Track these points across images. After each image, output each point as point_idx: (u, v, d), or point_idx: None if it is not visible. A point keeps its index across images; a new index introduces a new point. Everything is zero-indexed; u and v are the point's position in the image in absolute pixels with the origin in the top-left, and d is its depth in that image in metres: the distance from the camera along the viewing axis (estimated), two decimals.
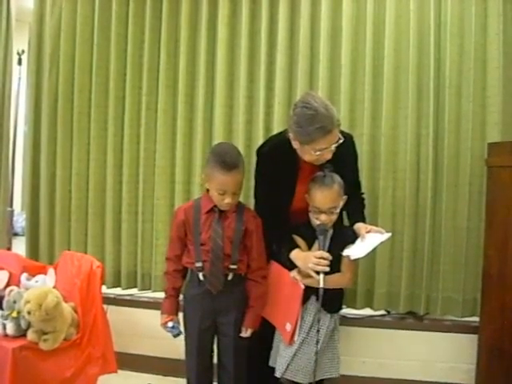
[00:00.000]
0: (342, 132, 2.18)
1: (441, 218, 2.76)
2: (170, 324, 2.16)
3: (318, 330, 2.11)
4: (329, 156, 2.11)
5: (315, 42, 2.85)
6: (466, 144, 2.73)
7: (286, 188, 2.27)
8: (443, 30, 2.74)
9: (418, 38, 2.74)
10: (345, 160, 2.25)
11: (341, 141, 2.09)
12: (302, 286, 2.09)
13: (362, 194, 2.41)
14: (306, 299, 2.14)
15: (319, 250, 2.10)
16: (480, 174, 2.67)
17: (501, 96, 2.67)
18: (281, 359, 2.19)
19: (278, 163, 2.23)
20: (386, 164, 2.79)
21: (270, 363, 2.28)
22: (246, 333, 2.15)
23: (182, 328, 2.19)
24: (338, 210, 2.16)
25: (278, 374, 2.18)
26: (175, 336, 2.18)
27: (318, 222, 2.13)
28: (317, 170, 2.21)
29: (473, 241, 2.72)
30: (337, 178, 2.15)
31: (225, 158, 2.05)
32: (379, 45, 2.79)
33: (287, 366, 2.15)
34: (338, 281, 2.16)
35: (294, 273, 2.16)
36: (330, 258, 2.07)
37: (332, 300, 2.15)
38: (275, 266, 2.24)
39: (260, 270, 2.18)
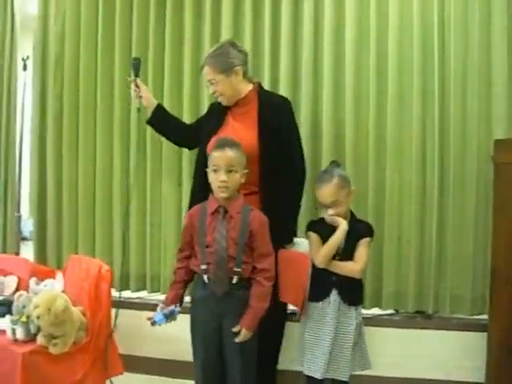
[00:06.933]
0: (279, 96, 2.57)
1: (448, 216, 2.74)
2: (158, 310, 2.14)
3: (347, 325, 2.18)
4: (210, 90, 2.46)
5: (319, 40, 2.84)
6: (472, 141, 2.71)
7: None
8: (447, 27, 2.73)
9: (421, 35, 2.73)
10: (277, 127, 2.37)
11: (213, 81, 2.40)
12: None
13: (299, 178, 2.49)
14: (327, 292, 2.19)
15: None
16: (487, 170, 2.65)
17: (506, 92, 2.66)
18: (314, 359, 2.19)
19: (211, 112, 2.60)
20: (392, 163, 2.78)
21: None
22: (236, 329, 2.06)
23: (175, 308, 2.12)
24: (345, 201, 2.22)
25: (318, 376, 2.16)
26: (170, 318, 2.11)
27: (327, 216, 2.23)
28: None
29: (480, 238, 2.71)
30: (337, 171, 2.25)
31: (219, 140, 2.22)
32: (383, 42, 2.78)
33: (327, 366, 2.15)
34: (350, 269, 2.21)
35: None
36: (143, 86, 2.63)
37: (351, 291, 2.22)
38: (285, 253, 2.31)
39: (263, 271, 2.10)
